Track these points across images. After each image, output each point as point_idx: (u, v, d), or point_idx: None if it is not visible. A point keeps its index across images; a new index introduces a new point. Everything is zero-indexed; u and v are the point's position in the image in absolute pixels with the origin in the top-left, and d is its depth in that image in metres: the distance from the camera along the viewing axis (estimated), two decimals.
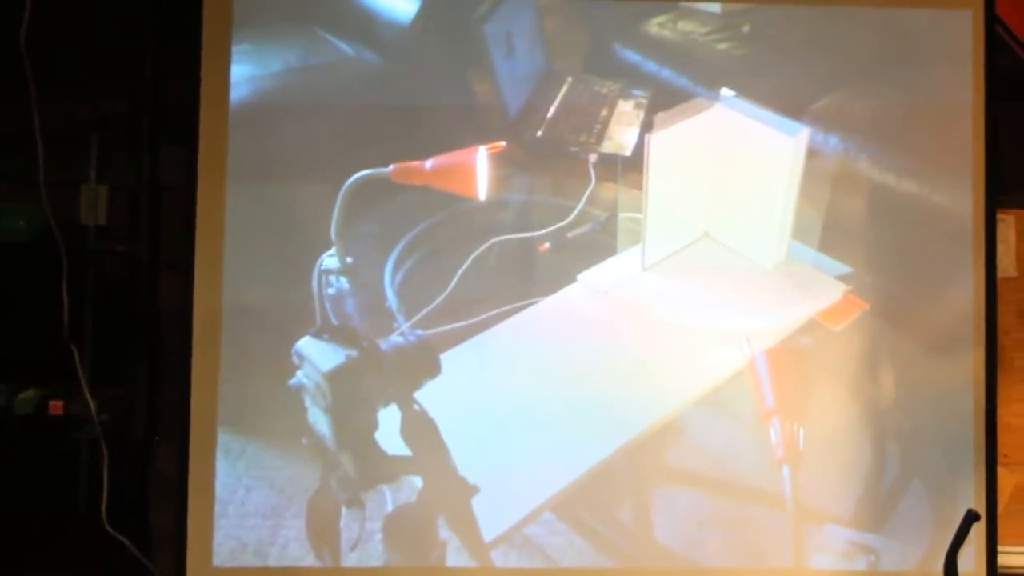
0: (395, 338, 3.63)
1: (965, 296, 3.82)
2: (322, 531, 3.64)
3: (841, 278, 3.79)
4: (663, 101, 3.78)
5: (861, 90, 3.85)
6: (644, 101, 3.82)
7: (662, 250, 3.79)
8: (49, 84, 3.83)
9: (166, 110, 3.92)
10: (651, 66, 3.84)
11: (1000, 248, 3.94)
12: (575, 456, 3.58)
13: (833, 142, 3.81)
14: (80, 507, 3.80)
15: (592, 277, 3.76)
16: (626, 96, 3.84)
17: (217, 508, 3.68)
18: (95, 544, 3.75)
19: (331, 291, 3.68)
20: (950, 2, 3.87)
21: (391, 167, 3.66)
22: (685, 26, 3.87)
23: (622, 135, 3.79)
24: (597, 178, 3.77)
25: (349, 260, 3.68)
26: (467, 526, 3.55)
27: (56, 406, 3.80)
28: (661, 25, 3.86)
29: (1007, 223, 4.05)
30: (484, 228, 3.76)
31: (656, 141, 3.61)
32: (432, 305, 3.69)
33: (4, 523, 3.69)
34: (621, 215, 3.76)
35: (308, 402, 3.52)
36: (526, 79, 3.86)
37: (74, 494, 3.81)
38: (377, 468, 3.54)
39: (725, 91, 3.75)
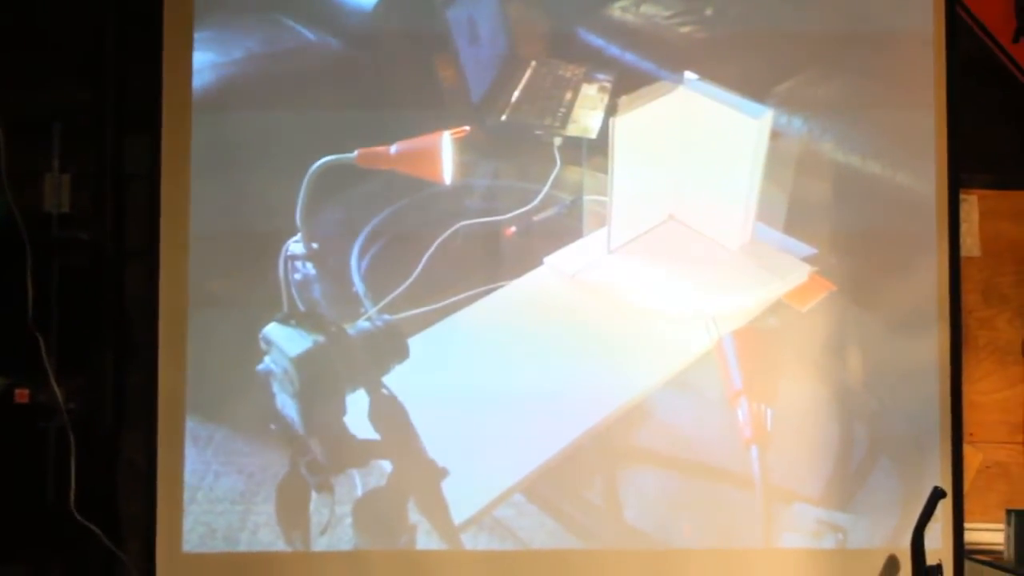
0: (362, 323, 3.62)
1: (929, 276, 3.83)
2: (292, 516, 3.63)
3: (807, 259, 3.80)
4: (627, 84, 3.78)
5: (824, 72, 3.86)
6: (608, 84, 3.83)
7: (628, 233, 3.79)
8: (10, 73, 3.83)
9: (128, 98, 3.90)
10: (614, 50, 3.85)
11: (963, 228, 3.96)
12: (544, 438, 3.59)
13: (797, 124, 3.82)
14: (48, 496, 3.79)
15: (558, 260, 3.76)
16: (590, 80, 3.84)
17: (186, 495, 3.66)
18: (64, 533, 3.73)
19: (297, 277, 3.67)
20: None
21: (356, 152, 3.65)
22: (648, 9, 3.87)
23: (587, 118, 3.79)
24: (562, 162, 3.78)
25: (315, 246, 3.68)
26: (437, 509, 3.55)
27: (22, 395, 3.77)
28: (624, 9, 3.87)
29: (970, 203, 4.08)
30: (450, 213, 3.75)
31: (620, 124, 3.62)
32: (399, 290, 3.68)
33: None
34: (586, 198, 3.77)
35: (276, 388, 3.52)
36: (490, 64, 3.86)
37: (42, 483, 3.79)
38: (346, 453, 3.54)
39: (688, 74, 3.75)
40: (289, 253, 3.66)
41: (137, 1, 3.82)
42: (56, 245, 3.87)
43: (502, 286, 3.74)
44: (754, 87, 3.78)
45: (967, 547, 3.82)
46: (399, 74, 3.77)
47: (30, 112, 3.86)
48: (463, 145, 3.72)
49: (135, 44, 3.86)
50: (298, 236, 3.66)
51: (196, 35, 3.74)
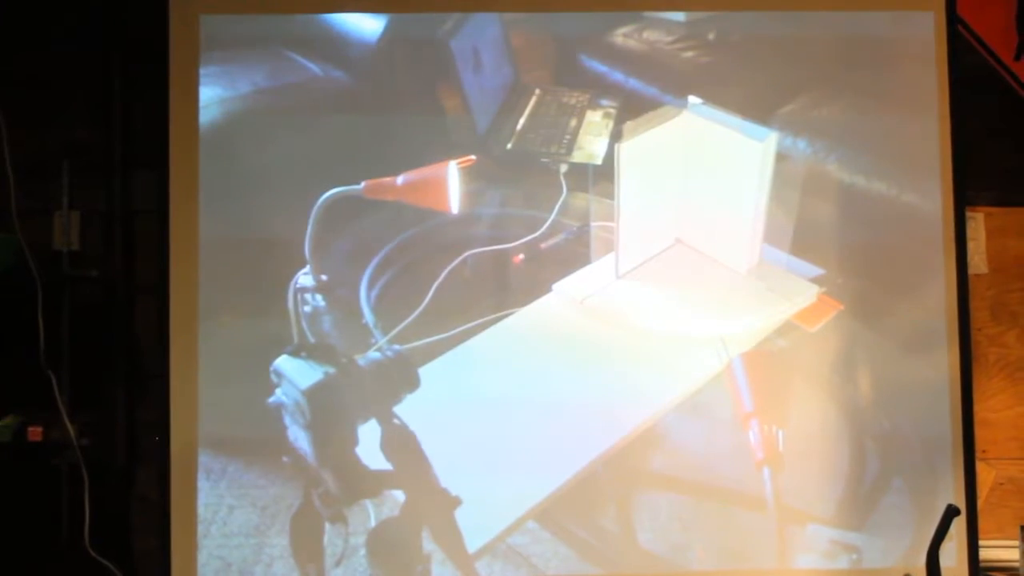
0: (373, 354, 3.62)
1: (938, 294, 3.83)
2: (306, 548, 3.63)
3: (815, 280, 3.81)
4: (631, 110, 3.80)
5: (828, 93, 3.87)
6: (612, 110, 3.84)
7: (636, 258, 3.81)
8: (17, 112, 3.84)
9: (136, 134, 3.91)
10: (618, 76, 3.86)
11: (971, 245, 3.96)
12: (557, 464, 3.57)
13: (802, 146, 3.83)
14: (63, 533, 3.79)
15: (567, 287, 3.77)
16: (594, 106, 3.86)
17: (200, 529, 3.67)
18: (79, 570, 3.74)
19: (307, 309, 3.68)
20: (912, 4, 3.90)
21: (363, 184, 3.67)
22: (650, 35, 3.89)
23: (592, 145, 3.81)
24: (568, 188, 3.79)
25: (324, 278, 3.69)
26: (451, 538, 3.54)
27: (35, 432, 3.77)
28: (626, 35, 3.88)
29: (977, 220, 4.08)
30: (457, 241, 3.77)
31: (626, 150, 3.61)
32: (408, 320, 3.70)
33: None
34: (594, 224, 3.77)
35: (288, 420, 3.51)
36: (494, 93, 3.87)
37: (56, 520, 3.79)
38: (359, 483, 3.53)
39: (692, 98, 3.76)
40: (298, 285, 3.68)
41: (143, 38, 3.84)
42: (67, 283, 3.88)
43: (511, 313, 3.74)
44: (758, 110, 3.79)
45: (982, 564, 3.82)
46: (404, 105, 3.79)
47: (39, 150, 3.88)
48: (470, 174, 3.73)
49: (142, 80, 3.87)
50: (307, 268, 3.68)
51: (202, 70, 3.77)
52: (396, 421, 3.50)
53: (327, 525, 3.61)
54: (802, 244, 3.81)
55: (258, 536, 3.68)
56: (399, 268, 3.74)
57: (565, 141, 3.82)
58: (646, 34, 3.88)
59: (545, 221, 3.78)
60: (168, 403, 3.69)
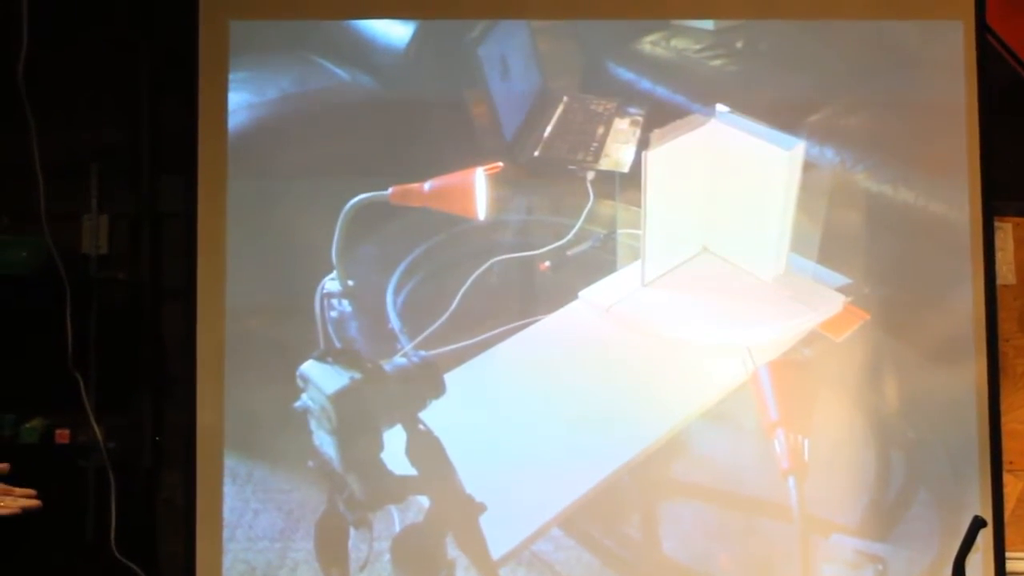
0: (398, 359, 3.63)
1: (965, 304, 3.81)
2: (331, 553, 3.63)
3: (841, 289, 3.79)
4: (659, 118, 3.78)
5: (855, 102, 3.85)
6: (640, 118, 3.83)
7: (662, 265, 3.80)
8: (48, 116, 3.86)
9: (165, 139, 3.95)
10: (646, 84, 3.86)
11: (999, 256, 3.95)
12: (581, 472, 3.57)
13: (829, 154, 3.82)
14: (88, 535, 3.81)
15: (593, 294, 3.77)
16: (622, 114, 3.85)
17: (225, 532, 3.68)
18: (105, 572, 3.76)
19: (334, 314, 3.69)
20: (940, 13, 3.89)
21: (390, 190, 3.67)
22: (678, 43, 3.88)
23: (619, 152, 3.80)
24: (595, 196, 3.79)
25: (351, 283, 3.70)
26: (475, 544, 3.54)
27: (62, 435, 3.81)
28: (654, 43, 3.88)
29: (1005, 231, 4.06)
30: (484, 248, 3.77)
31: (653, 158, 3.62)
32: (434, 326, 3.70)
33: (13, 553, 3.69)
34: (620, 232, 3.77)
35: (313, 425, 3.53)
36: (522, 100, 3.88)
37: (82, 522, 3.81)
38: (384, 489, 3.54)
39: (720, 107, 3.75)
40: (325, 291, 3.68)
41: (173, 42, 3.86)
42: (95, 285, 3.91)
43: (537, 320, 3.74)
44: (785, 118, 3.77)
45: None
46: (432, 112, 3.80)
47: (68, 154, 3.91)
48: (496, 181, 3.72)
49: (171, 85, 3.90)
50: (334, 273, 3.68)
51: (231, 76, 3.78)
52: (421, 427, 3.50)
53: (352, 530, 3.61)
54: (829, 253, 3.80)
55: (283, 540, 3.68)
56: (425, 274, 3.75)
57: (592, 148, 3.82)
58: (674, 42, 3.88)
59: (571, 228, 3.78)
60: (194, 407, 3.70)
